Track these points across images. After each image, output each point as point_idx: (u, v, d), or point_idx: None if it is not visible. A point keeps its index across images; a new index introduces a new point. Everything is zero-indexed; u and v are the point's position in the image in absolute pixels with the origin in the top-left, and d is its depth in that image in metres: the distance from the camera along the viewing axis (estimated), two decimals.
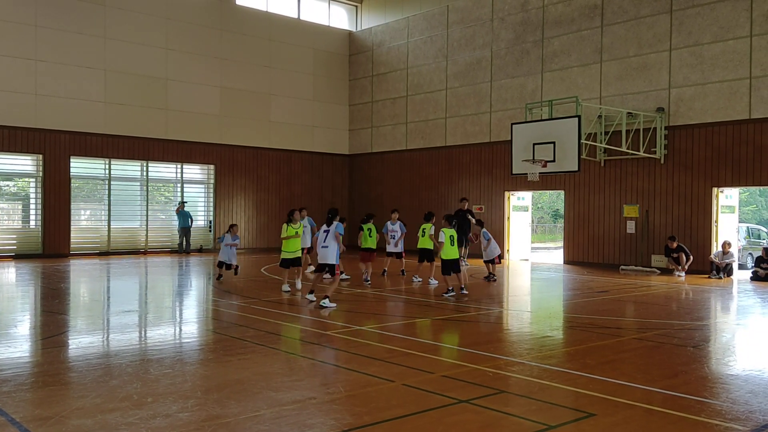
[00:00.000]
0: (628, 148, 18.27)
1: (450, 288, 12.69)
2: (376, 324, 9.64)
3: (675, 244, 17.31)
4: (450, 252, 12.71)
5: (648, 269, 18.19)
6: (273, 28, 26.12)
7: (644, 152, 18.43)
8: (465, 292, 12.79)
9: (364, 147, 27.80)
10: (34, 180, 21.44)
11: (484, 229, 15.86)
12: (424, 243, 14.92)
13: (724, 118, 17.51)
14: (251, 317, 10.17)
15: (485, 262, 15.75)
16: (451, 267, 12.69)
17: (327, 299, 11.02)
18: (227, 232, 15.42)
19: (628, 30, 19.33)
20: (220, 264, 15.11)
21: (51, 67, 21.13)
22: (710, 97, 17.75)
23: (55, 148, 21.26)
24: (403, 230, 15.84)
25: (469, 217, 18.69)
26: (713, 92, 17.70)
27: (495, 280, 15.50)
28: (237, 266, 15.37)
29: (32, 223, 21.48)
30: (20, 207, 21.95)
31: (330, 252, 11.37)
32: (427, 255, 14.91)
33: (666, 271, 17.71)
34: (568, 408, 5.72)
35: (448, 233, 12.72)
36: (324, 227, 11.59)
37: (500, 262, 16.72)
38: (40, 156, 21.12)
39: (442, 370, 6.91)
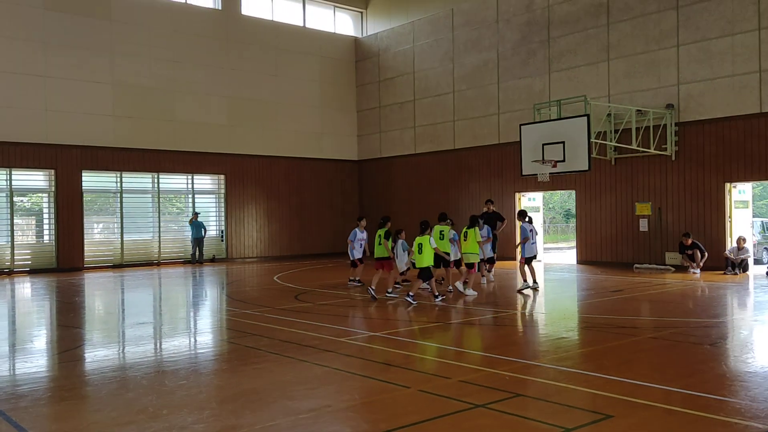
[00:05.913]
0: (638, 146, 18.16)
1: None
2: (390, 330, 9.61)
3: (689, 241, 17.16)
4: None
5: (662, 267, 18.05)
6: (279, 36, 26.22)
7: (655, 149, 18.31)
8: None
9: (372, 152, 27.81)
10: (47, 195, 21.61)
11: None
12: (444, 246, 13.91)
13: (734, 113, 17.36)
14: (265, 326, 10.17)
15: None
16: None
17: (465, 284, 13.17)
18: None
19: (634, 27, 19.24)
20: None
21: (60, 83, 21.30)
22: (720, 92, 17.62)
23: (66, 163, 21.43)
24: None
25: (498, 222, 17.24)
26: (723, 87, 17.57)
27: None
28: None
29: (46, 237, 21.64)
30: (34, 222, 22.12)
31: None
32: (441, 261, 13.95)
33: (681, 269, 17.57)
34: (585, 410, 5.68)
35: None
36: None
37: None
38: (53, 171, 21.29)
39: (459, 374, 6.87)
